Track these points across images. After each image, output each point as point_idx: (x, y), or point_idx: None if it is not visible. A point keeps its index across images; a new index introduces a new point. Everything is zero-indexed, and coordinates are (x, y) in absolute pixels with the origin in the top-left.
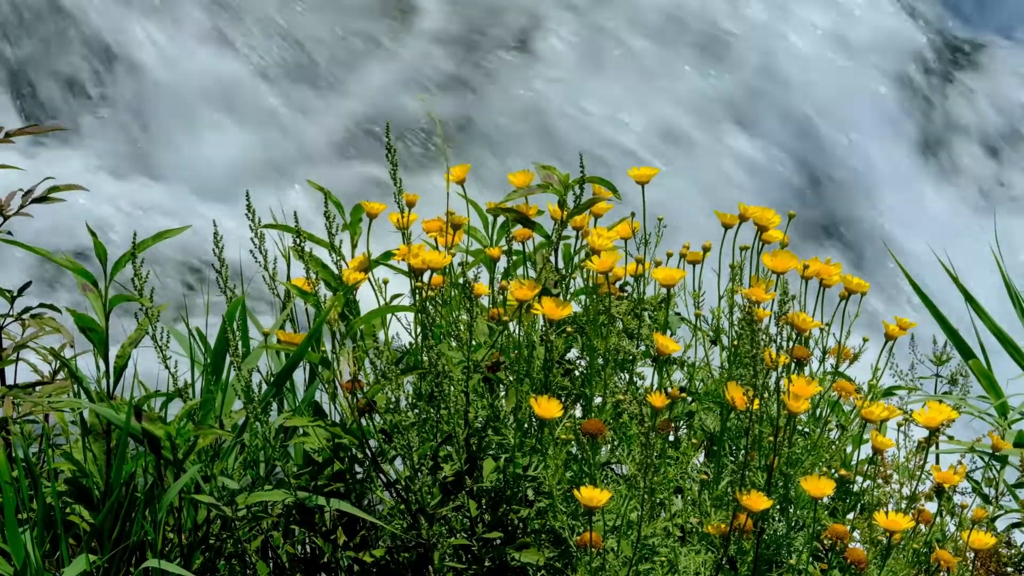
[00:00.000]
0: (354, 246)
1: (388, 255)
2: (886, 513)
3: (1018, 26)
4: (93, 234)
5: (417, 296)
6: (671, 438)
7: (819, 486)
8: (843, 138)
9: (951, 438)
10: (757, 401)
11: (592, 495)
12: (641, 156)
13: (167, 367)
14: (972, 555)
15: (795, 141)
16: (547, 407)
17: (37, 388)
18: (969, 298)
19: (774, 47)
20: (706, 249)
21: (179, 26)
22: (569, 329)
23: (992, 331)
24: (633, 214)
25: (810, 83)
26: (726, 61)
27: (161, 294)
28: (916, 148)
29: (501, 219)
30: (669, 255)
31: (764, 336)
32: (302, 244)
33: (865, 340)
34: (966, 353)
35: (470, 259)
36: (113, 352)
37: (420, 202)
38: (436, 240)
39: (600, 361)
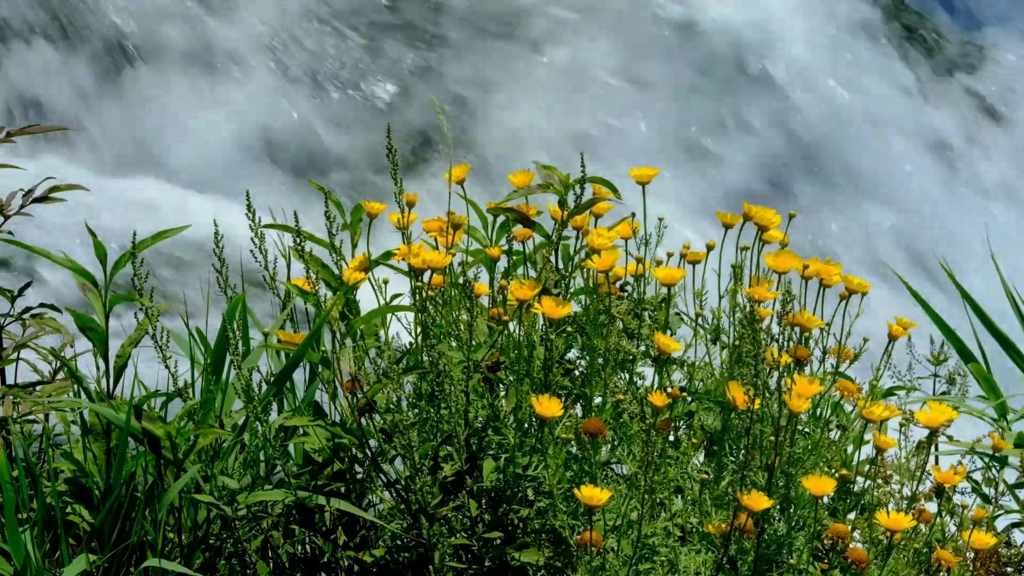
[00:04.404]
0: (354, 246)
1: (388, 255)
2: (887, 513)
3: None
4: (92, 234)
5: (417, 296)
6: (671, 438)
7: (820, 485)
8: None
9: (951, 438)
10: (758, 400)
11: (592, 494)
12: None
13: (167, 367)
14: (972, 555)
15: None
16: (548, 406)
17: (37, 388)
18: (968, 299)
19: None
20: (709, 248)
21: None
22: (569, 329)
23: (992, 333)
24: (633, 214)
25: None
26: None
27: (161, 292)
28: (919, 147)
29: (501, 219)
30: (670, 255)
31: (766, 336)
32: (302, 244)
33: (865, 340)
34: (966, 356)
35: (470, 259)
36: (113, 352)
37: (419, 203)
38: (436, 240)
39: (600, 361)
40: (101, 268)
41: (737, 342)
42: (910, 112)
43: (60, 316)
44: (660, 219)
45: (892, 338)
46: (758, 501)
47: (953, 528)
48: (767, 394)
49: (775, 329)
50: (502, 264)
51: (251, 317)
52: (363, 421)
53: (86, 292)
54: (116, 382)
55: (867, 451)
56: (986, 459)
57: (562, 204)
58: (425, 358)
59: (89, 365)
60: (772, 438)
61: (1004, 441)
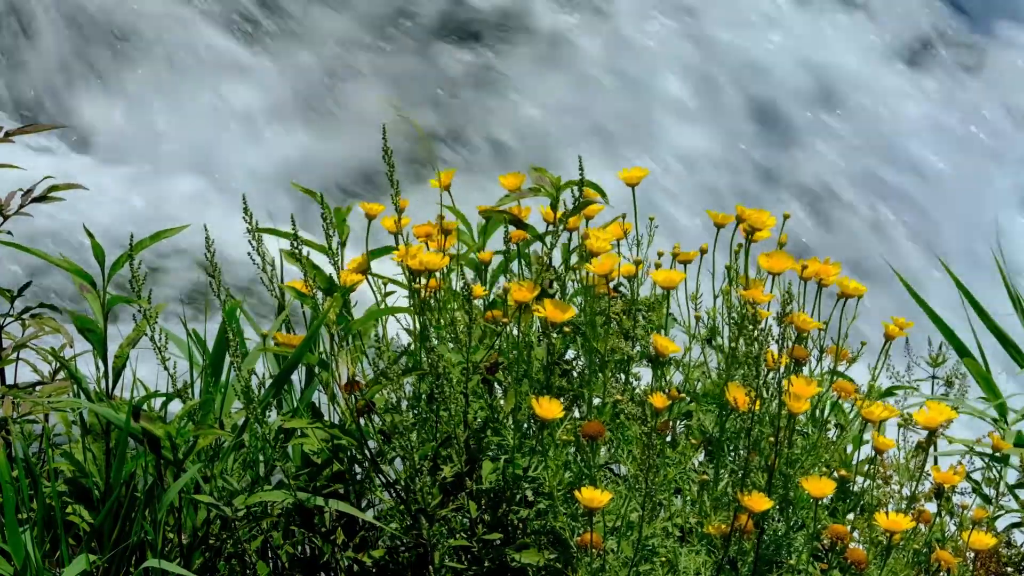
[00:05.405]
0: (342, 245)
1: (381, 251)
2: (886, 514)
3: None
4: (90, 235)
5: (415, 298)
6: (668, 438)
7: (820, 486)
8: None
9: (950, 439)
10: (758, 402)
11: (593, 496)
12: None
13: (166, 368)
14: (972, 555)
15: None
16: (548, 408)
17: (37, 388)
18: (969, 297)
19: None
20: (703, 251)
21: None
22: (567, 330)
23: (992, 331)
24: (625, 215)
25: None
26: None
27: (160, 292)
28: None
29: (484, 222)
30: (661, 255)
31: (764, 337)
32: (299, 247)
33: (863, 344)
34: (964, 355)
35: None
36: (112, 353)
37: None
38: (427, 244)
39: (598, 362)
40: (99, 269)
41: (733, 344)
42: (911, 110)
43: (60, 316)
44: (651, 219)
45: (888, 338)
46: (758, 502)
47: (953, 528)
48: (765, 395)
49: (775, 330)
50: (494, 266)
51: (247, 319)
52: (362, 422)
53: (84, 293)
54: (115, 382)
55: (867, 451)
56: (986, 459)
57: (554, 206)
58: (424, 358)
59: (89, 365)
60: (771, 439)
61: (1004, 441)
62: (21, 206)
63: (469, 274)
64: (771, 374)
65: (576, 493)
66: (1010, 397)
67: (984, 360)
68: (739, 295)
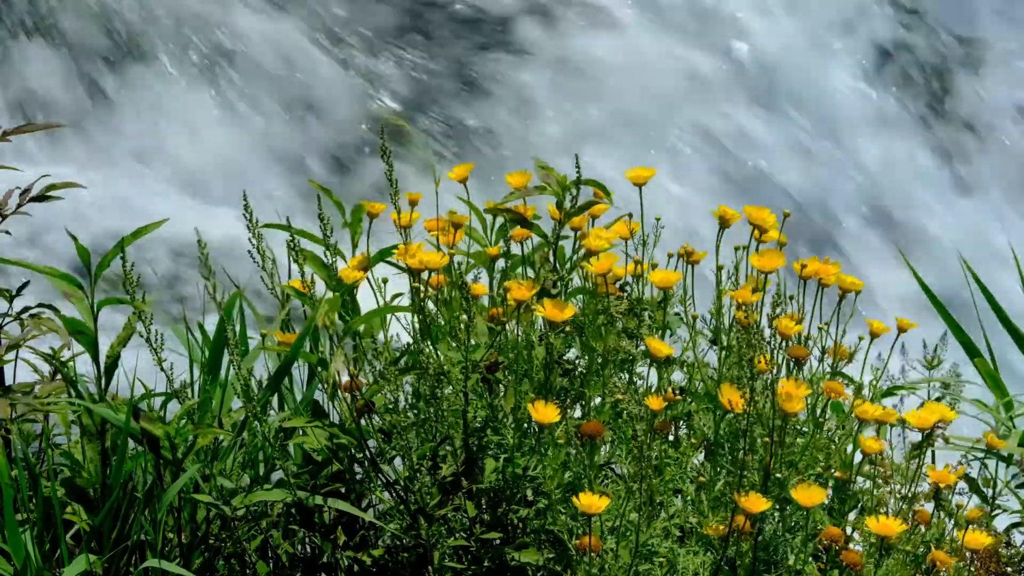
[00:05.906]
0: (354, 245)
1: (387, 252)
2: (878, 517)
3: None
4: (74, 238)
5: (416, 296)
6: (670, 437)
7: (810, 495)
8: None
9: (947, 439)
10: (751, 402)
11: (591, 502)
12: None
13: (162, 368)
14: (971, 555)
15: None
16: (545, 412)
17: (36, 388)
18: (986, 293)
19: None
20: (688, 252)
21: None
22: (568, 328)
23: (1006, 327)
24: (631, 214)
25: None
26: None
27: (158, 288)
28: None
29: (500, 220)
30: (670, 255)
31: (760, 338)
32: (297, 244)
33: (861, 339)
34: (972, 351)
35: (470, 261)
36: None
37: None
38: (438, 239)
39: (599, 361)
40: (86, 271)
41: (733, 344)
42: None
43: (58, 315)
44: (657, 219)
45: (873, 335)
46: (755, 503)
47: (950, 527)
48: (757, 396)
49: (768, 332)
50: (500, 264)
51: (255, 316)
52: (362, 422)
53: (69, 299)
54: (108, 382)
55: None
56: (981, 458)
57: (559, 205)
58: (423, 358)
59: (88, 364)
60: (766, 439)
61: (1004, 440)
62: (19, 205)
63: (469, 276)
64: (768, 375)
65: (574, 499)
66: (1018, 395)
67: (992, 358)
68: (729, 297)
